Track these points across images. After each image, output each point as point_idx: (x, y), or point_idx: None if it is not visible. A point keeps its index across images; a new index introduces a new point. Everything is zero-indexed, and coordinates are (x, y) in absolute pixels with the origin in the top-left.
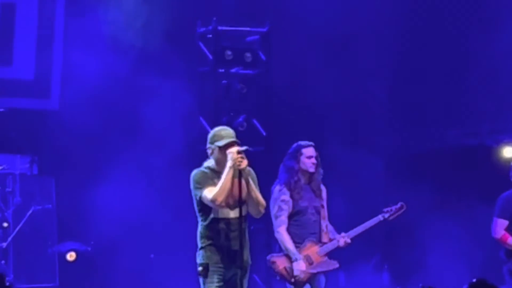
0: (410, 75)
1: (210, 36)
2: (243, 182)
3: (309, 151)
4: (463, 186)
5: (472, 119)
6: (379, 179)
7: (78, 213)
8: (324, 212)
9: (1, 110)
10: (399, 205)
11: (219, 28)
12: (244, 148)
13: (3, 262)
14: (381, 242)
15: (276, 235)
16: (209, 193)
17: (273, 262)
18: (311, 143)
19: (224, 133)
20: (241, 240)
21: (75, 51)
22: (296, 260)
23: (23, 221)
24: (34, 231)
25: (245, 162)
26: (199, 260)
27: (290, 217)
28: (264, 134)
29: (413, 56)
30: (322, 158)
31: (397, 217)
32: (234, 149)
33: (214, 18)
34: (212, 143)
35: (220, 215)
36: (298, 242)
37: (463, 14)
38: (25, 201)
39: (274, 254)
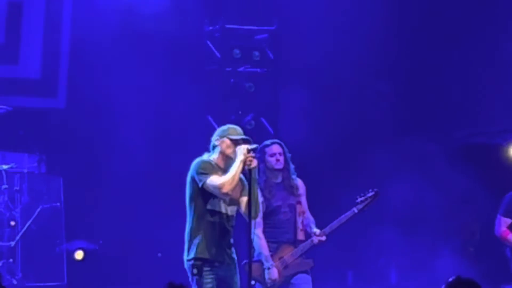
0: (419, 75)
1: (218, 34)
2: (251, 182)
3: (272, 148)
4: (472, 185)
5: (481, 119)
6: (387, 178)
7: (86, 212)
8: (301, 208)
9: (9, 109)
10: (373, 192)
11: (227, 26)
12: (254, 146)
13: (11, 260)
14: (388, 241)
15: (252, 236)
16: (216, 180)
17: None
18: (275, 140)
19: (238, 131)
20: (230, 238)
21: (82, 49)
22: (268, 268)
23: (31, 220)
24: (42, 229)
25: (255, 162)
26: (191, 255)
27: (264, 217)
28: (272, 132)
29: (423, 55)
30: (330, 156)
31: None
32: (244, 146)
33: (222, 17)
34: (223, 136)
35: (216, 208)
36: (273, 242)
37: (474, 14)
38: (33, 200)
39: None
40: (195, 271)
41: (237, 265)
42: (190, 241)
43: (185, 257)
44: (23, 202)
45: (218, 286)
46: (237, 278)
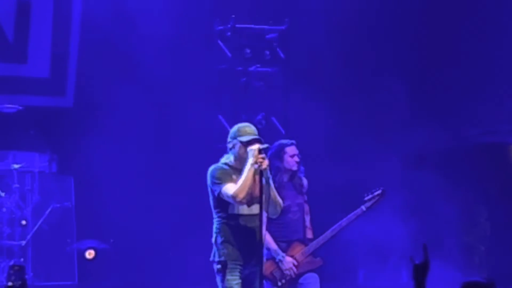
0: (429, 73)
1: (229, 34)
2: (263, 181)
3: (292, 149)
4: (482, 184)
5: (492, 118)
6: (397, 177)
7: (97, 211)
8: (307, 207)
9: (20, 108)
10: (380, 190)
11: (238, 26)
12: (265, 146)
13: (22, 259)
14: (399, 240)
15: (264, 235)
16: (229, 189)
17: None
18: (293, 141)
19: (248, 129)
20: (257, 237)
21: (91, 48)
22: (280, 261)
23: (42, 219)
24: (53, 229)
25: (265, 163)
26: (216, 257)
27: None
28: (283, 132)
29: (432, 54)
30: (340, 154)
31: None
32: (255, 146)
33: (233, 16)
34: (234, 137)
35: (238, 212)
36: (283, 241)
37: (483, 12)
38: (44, 199)
39: None
40: (220, 269)
41: (263, 263)
42: (216, 244)
43: (211, 258)
44: (34, 202)
45: (242, 284)
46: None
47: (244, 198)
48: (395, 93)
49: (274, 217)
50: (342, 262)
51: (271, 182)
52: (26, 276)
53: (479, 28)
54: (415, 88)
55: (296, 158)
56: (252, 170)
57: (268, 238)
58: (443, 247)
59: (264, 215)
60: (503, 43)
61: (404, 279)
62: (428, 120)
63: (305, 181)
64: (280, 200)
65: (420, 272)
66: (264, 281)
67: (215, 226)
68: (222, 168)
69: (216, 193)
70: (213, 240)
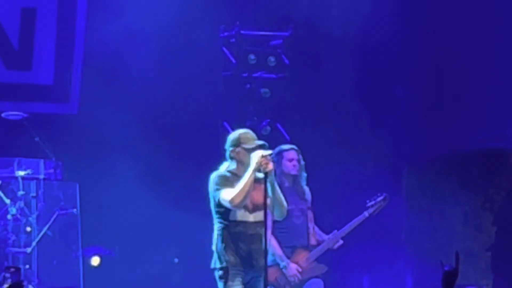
0: (434, 78)
1: (233, 40)
2: (267, 185)
3: (290, 154)
4: (488, 189)
5: (498, 122)
6: (402, 183)
7: (102, 218)
8: (311, 214)
9: (25, 115)
10: (382, 196)
11: (242, 32)
12: (269, 152)
13: (27, 266)
14: (405, 246)
15: (268, 240)
16: (227, 193)
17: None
18: (292, 146)
19: (250, 136)
20: (259, 244)
21: (95, 55)
22: (285, 267)
23: (47, 226)
24: (58, 236)
25: (270, 165)
26: (218, 264)
27: (276, 221)
28: (288, 138)
29: (437, 58)
30: (344, 160)
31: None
32: (258, 152)
33: (237, 23)
34: (237, 145)
35: (239, 218)
36: (287, 246)
37: (489, 15)
38: (49, 206)
39: None
40: (221, 276)
41: (263, 270)
42: (217, 250)
43: (212, 266)
44: (39, 209)
45: None
46: (261, 285)
47: (240, 203)
48: (400, 98)
49: (280, 219)
50: (347, 268)
51: (275, 184)
52: (32, 283)
53: (486, 32)
54: (420, 93)
55: (295, 163)
56: (253, 176)
57: (274, 244)
58: (448, 252)
59: (269, 220)
60: (510, 47)
61: (408, 285)
62: (433, 125)
63: (306, 189)
64: (285, 202)
65: (449, 278)
66: (268, 287)
67: (215, 232)
68: (224, 176)
69: (216, 199)
70: (213, 247)
